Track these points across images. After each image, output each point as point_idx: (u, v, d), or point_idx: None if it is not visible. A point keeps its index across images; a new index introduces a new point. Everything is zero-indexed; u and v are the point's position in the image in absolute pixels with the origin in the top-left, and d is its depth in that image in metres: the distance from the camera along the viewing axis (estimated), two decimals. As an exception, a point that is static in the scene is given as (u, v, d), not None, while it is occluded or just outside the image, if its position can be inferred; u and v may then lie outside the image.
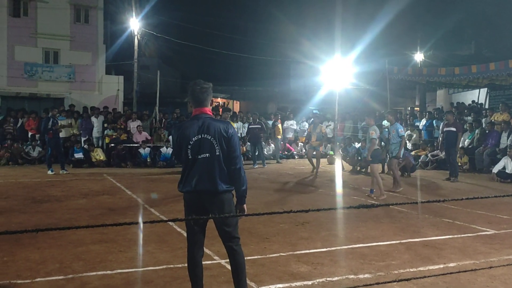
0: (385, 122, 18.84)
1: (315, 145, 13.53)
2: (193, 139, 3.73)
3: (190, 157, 3.74)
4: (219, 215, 3.68)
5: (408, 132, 17.83)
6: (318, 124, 13.97)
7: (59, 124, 13.62)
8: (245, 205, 3.85)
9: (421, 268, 4.96)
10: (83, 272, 4.70)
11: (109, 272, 4.72)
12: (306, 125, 19.94)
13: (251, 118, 17.53)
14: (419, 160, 15.72)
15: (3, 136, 16.36)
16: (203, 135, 3.72)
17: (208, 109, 3.90)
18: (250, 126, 16.96)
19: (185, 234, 6.10)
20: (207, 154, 3.71)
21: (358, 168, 14.64)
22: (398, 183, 10.58)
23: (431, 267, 5.00)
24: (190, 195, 3.80)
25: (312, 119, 15.27)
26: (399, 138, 10.14)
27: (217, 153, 3.72)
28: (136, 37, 24.29)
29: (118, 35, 27.64)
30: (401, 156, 10.58)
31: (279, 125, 18.88)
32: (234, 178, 3.76)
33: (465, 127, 15.86)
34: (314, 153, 13.68)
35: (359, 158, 14.60)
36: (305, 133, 17.29)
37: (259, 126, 16.44)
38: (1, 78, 24.12)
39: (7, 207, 8.08)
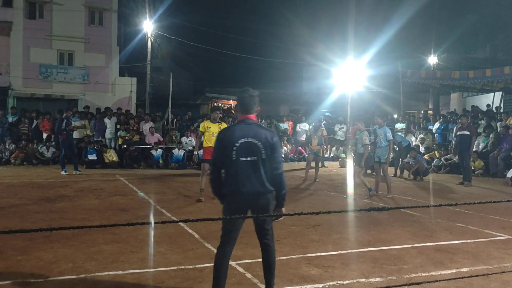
0: (398, 125, 18.76)
1: (316, 150, 12.82)
2: (239, 141, 3.88)
3: (234, 158, 3.86)
4: (263, 214, 3.89)
5: (421, 135, 17.71)
6: (319, 127, 13.41)
7: (73, 125, 13.77)
8: (283, 208, 4.07)
9: (433, 273, 4.92)
10: (95, 272, 4.74)
11: (120, 272, 4.75)
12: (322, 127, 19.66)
13: None
14: (432, 164, 15.60)
15: (18, 137, 16.58)
16: (249, 139, 3.89)
17: (254, 116, 4.07)
18: None
19: (196, 236, 6.15)
20: (254, 157, 3.88)
21: (369, 171, 14.54)
22: (378, 188, 10.38)
23: (443, 272, 4.96)
24: (236, 197, 3.91)
25: (313, 122, 14.79)
26: (386, 142, 10.00)
27: (263, 157, 3.89)
28: (149, 39, 24.48)
29: (132, 37, 27.88)
30: (389, 161, 10.38)
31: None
32: (276, 182, 3.95)
33: (478, 130, 15.69)
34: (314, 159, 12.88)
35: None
36: (306, 136, 16.31)
37: None
38: (16, 79, 24.47)
39: (21, 207, 8.18)
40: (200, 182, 9.18)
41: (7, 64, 24.55)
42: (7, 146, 15.82)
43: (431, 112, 25.07)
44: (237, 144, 3.86)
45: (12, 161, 15.49)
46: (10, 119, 17.59)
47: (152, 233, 6.31)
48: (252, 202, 3.91)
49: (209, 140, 8.81)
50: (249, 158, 3.86)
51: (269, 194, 3.94)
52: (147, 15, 24.13)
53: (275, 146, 3.97)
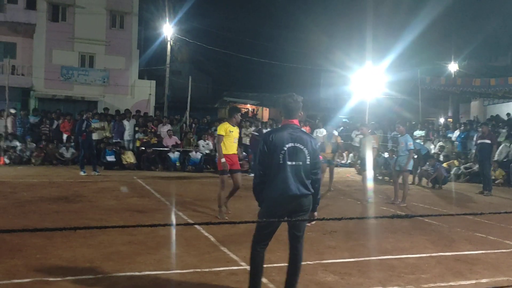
0: (417, 133, 18.56)
1: (330, 157, 12.00)
2: (287, 145, 3.98)
3: (281, 162, 3.96)
4: (304, 215, 4.04)
5: (441, 143, 17.49)
6: (333, 134, 12.59)
7: (93, 127, 13.92)
8: (316, 213, 4.23)
9: (452, 283, 4.84)
10: (112, 272, 4.77)
11: (137, 273, 4.78)
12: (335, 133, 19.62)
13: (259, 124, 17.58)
14: (451, 172, 15.38)
15: (39, 137, 16.83)
16: (296, 144, 4.01)
17: (297, 121, 4.15)
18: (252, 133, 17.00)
19: (212, 239, 6.16)
20: (300, 162, 4.00)
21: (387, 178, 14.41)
22: (397, 196, 10.19)
23: (462, 282, 4.88)
24: (281, 199, 3.99)
25: (325, 127, 14.40)
26: (407, 151, 9.89)
27: (308, 162, 4.02)
28: (169, 42, 24.70)
29: (152, 41, 28.21)
30: (409, 168, 10.23)
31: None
32: (315, 187, 4.09)
33: (498, 139, 15.43)
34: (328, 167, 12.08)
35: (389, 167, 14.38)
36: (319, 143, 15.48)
37: (256, 133, 16.12)
38: (38, 80, 24.92)
39: (40, 206, 8.29)
40: (218, 198, 7.79)
41: (29, 66, 25.04)
42: (28, 146, 16.07)
43: (450, 120, 24.74)
44: (285, 148, 3.97)
45: (33, 161, 15.72)
46: (31, 120, 17.87)
47: (168, 235, 6.34)
48: (295, 204, 4.00)
49: (231, 147, 7.64)
50: (294, 163, 3.97)
51: (310, 196, 4.06)
52: (167, 19, 24.37)
53: (318, 152, 4.14)
